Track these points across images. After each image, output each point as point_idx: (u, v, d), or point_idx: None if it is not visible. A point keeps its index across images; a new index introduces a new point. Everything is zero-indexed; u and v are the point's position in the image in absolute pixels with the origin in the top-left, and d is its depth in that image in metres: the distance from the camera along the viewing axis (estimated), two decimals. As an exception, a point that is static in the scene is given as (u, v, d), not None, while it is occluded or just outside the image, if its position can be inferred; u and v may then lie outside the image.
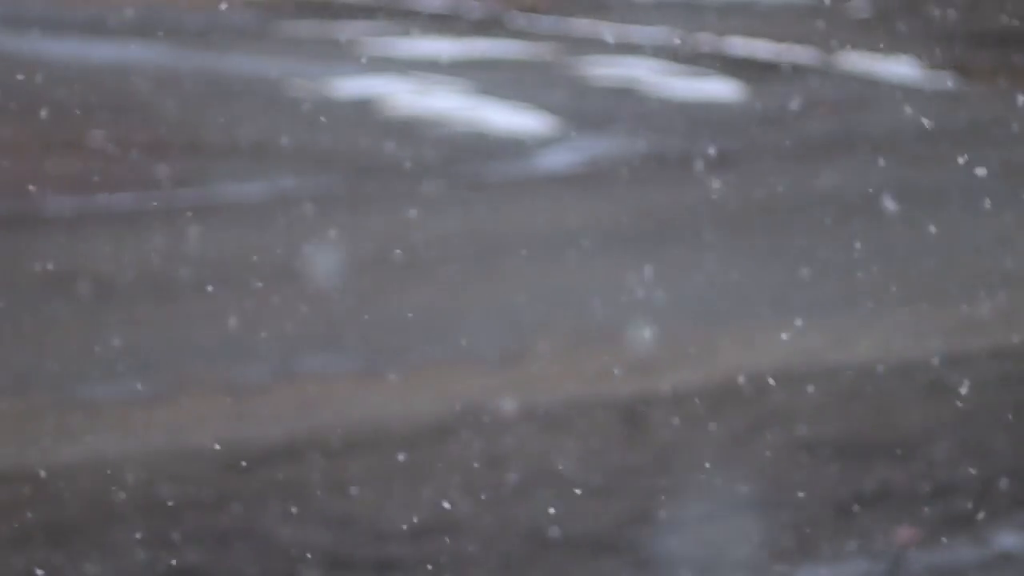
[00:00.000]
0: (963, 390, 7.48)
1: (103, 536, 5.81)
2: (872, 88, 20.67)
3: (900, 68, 22.71)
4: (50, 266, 10.03)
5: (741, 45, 25.98)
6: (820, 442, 6.78)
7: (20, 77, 18.47)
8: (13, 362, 7.86)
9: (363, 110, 17.68)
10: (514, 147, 14.94)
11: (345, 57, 22.22)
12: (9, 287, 9.47)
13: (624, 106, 18.20)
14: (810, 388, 7.45)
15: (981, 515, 6.01)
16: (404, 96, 18.56)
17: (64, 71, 18.90)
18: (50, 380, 7.55)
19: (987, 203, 12.73)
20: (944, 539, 5.83)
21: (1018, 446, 6.80)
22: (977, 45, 25.35)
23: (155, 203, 12.30)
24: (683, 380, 7.58)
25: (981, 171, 14.18)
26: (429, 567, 5.62)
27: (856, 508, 6.13)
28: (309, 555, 5.66)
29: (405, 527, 5.87)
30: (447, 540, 5.79)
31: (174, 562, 5.56)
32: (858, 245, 11.13)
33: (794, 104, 19.11)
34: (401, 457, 6.57)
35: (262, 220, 11.64)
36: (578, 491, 6.24)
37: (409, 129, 16.06)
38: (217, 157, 14.29)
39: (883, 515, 6.08)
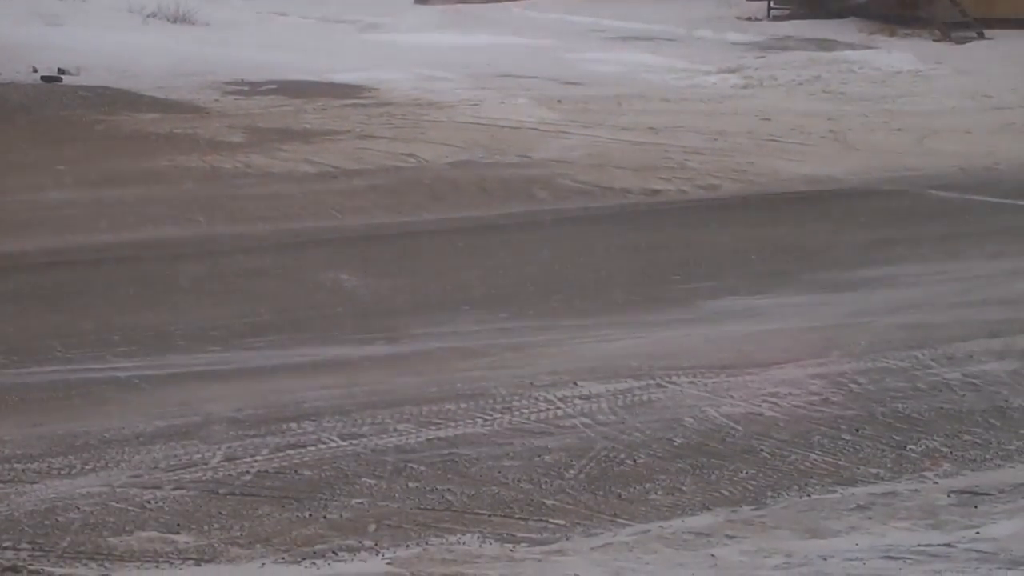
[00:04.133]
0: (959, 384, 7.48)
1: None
2: (872, 75, 20.66)
3: (897, 57, 22.70)
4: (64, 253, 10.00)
5: (740, 37, 26.07)
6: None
7: (39, 65, 18.48)
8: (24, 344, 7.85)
9: (366, 101, 17.61)
10: (516, 137, 14.89)
11: (354, 49, 22.24)
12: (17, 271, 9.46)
13: (623, 96, 18.16)
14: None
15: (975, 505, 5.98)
16: (408, 87, 18.52)
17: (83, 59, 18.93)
18: (64, 358, 7.54)
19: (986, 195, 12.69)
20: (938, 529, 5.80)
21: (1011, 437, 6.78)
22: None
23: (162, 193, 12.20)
24: (679, 366, 7.57)
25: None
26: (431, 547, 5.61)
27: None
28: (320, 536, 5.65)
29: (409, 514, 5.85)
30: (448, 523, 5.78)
31: (177, 547, 5.55)
32: (859, 233, 11.11)
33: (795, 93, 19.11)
34: (410, 434, 6.57)
35: (271, 207, 11.58)
36: (575, 470, 6.21)
37: (413, 120, 16.00)
38: (220, 145, 14.25)
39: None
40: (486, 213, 11.64)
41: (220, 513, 5.79)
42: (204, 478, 6.11)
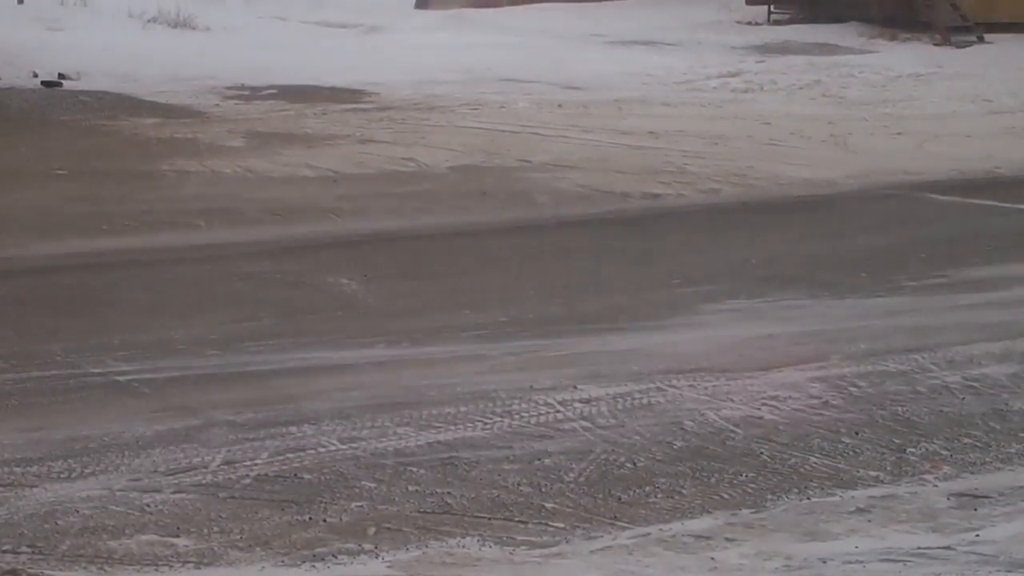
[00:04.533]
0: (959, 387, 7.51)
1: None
2: (872, 79, 20.68)
3: (897, 60, 22.72)
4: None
5: (740, 41, 26.12)
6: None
7: (39, 70, 18.51)
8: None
9: (367, 105, 17.63)
10: (516, 142, 14.91)
11: (354, 53, 22.27)
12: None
13: (624, 100, 18.18)
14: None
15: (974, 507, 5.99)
16: (409, 92, 18.53)
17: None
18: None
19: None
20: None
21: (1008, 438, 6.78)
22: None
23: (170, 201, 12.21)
24: (679, 369, 7.59)
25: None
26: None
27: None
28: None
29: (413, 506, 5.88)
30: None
31: (177, 550, 5.57)
32: (859, 236, 11.11)
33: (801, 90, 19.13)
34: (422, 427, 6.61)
35: (271, 211, 11.59)
36: (575, 473, 6.23)
37: (413, 125, 16.01)
38: (220, 150, 14.27)
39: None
40: (486, 217, 11.65)
41: (220, 516, 5.79)
42: (204, 481, 6.11)
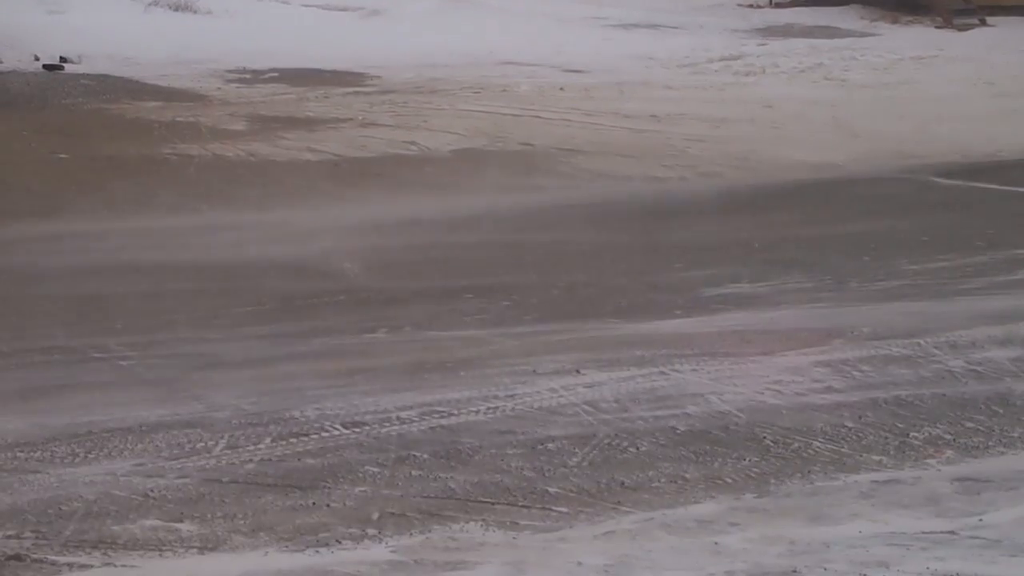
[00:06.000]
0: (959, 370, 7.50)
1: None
2: (875, 62, 20.63)
3: (900, 43, 22.67)
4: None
5: (742, 24, 26.06)
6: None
7: (41, 53, 18.47)
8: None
9: (368, 88, 17.59)
10: (518, 125, 14.88)
11: (356, 36, 22.22)
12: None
13: (626, 83, 18.14)
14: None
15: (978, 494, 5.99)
16: (411, 75, 18.49)
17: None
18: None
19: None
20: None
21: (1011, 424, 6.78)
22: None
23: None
24: (682, 353, 7.59)
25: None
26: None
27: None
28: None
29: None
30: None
31: (180, 535, 5.58)
32: (861, 220, 11.10)
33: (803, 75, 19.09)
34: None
35: (273, 195, 11.59)
36: (579, 458, 6.23)
37: (415, 108, 15.98)
38: (222, 133, 14.25)
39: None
40: (488, 200, 11.63)
41: (223, 501, 5.79)
42: (207, 466, 6.11)
